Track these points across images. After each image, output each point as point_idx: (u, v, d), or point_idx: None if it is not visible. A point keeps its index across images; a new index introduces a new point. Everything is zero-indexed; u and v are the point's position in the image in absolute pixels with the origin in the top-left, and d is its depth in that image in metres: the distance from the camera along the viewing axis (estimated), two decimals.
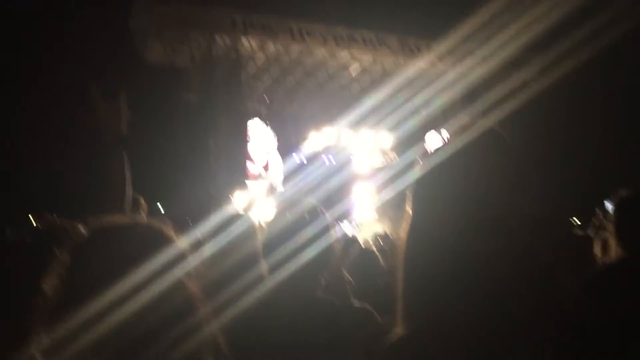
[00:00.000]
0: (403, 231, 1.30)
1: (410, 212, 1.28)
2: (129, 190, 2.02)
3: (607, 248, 3.19)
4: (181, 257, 1.20)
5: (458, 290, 1.15)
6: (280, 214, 2.34)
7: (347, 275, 4.03)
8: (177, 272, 1.17)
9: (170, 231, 1.25)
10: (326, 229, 2.29)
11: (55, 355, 1.06)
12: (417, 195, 1.28)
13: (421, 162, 1.32)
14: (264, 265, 2.30)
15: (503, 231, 1.16)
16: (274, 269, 2.23)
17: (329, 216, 2.35)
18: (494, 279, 1.14)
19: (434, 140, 18.36)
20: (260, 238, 2.41)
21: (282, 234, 2.23)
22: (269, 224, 2.37)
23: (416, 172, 1.31)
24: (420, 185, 1.29)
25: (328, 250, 2.28)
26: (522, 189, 1.24)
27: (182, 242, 1.24)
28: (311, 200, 2.40)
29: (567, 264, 3.44)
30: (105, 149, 2.02)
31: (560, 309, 1.17)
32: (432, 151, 1.28)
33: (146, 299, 1.08)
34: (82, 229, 1.21)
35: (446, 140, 1.32)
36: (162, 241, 1.22)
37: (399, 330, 1.25)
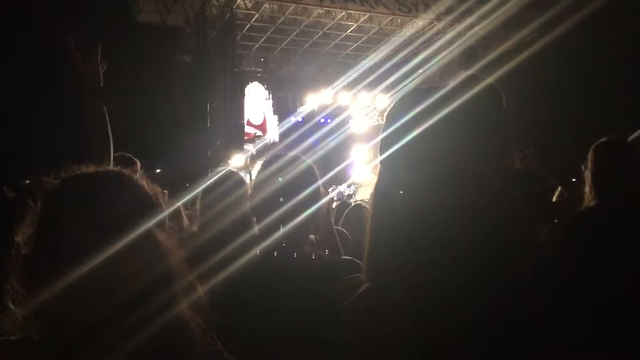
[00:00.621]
0: (372, 184, 1.29)
1: (380, 165, 1.26)
2: (110, 145, 2.00)
3: (583, 196, 3.18)
4: (154, 207, 1.19)
5: (425, 244, 1.13)
6: (273, 172, 2.33)
7: (343, 231, 4.09)
8: (150, 222, 1.16)
9: (142, 180, 1.23)
10: (318, 188, 2.28)
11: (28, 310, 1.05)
12: (386, 148, 1.25)
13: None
14: (254, 222, 2.30)
15: (472, 183, 1.13)
16: (264, 226, 2.23)
17: (323, 175, 2.34)
18: (462, 231, 1.12)
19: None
20: (251, 196, 2.40)
21: (274, 193, 2.23)
22: (262, 183, 2.35)
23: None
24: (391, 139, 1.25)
25: (319, 209, 2.28)
26: (500, 142, 1.21)
27: (154, 190, 1.23)
28: (305, 159, 2.38)
29: (542, 216, 3.46)
30: (84, 102, 1.99)
31: (529, 259, 1.16)
32: (404, 96, 1.24)
33: (116, 246, 1.07)
34: (54, 181, 1.19)
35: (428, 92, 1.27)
36: (133, 189, 1.20)
37: (366, 282, 1.26)
